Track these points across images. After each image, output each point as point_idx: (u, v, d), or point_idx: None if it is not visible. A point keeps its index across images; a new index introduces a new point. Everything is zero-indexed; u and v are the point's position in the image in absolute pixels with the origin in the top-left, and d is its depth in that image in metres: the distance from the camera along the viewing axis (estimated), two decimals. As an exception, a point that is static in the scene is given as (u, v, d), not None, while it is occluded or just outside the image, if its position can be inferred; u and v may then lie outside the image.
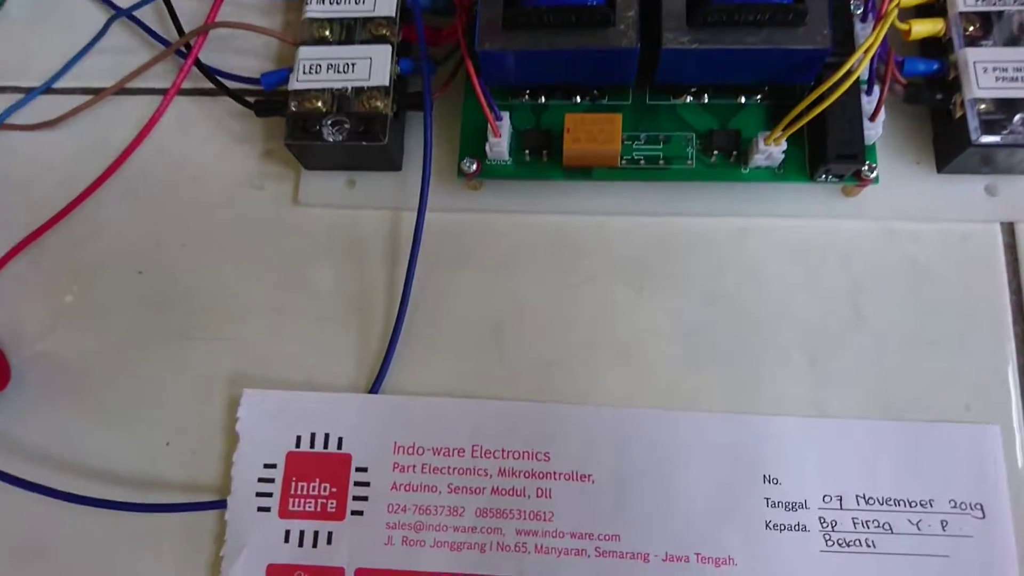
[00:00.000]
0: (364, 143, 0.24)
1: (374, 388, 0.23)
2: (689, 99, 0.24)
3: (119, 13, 0.29)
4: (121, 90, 0.29)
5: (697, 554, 0.21)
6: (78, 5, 0.30)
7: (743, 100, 0.23)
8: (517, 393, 0.23)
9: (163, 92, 0.28)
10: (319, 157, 0.25)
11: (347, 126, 0.24)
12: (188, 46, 0.28)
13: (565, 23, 0.21)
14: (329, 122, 0.24)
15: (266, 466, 0.23)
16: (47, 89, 0.29)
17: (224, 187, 0.27)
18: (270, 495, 0.23)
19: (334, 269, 0.25)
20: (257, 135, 0.27)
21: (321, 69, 0.25)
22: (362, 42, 0.25)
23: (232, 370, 0.24)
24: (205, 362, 0.25)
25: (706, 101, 0.24)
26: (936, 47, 0.24)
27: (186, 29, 0.29)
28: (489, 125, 0.23)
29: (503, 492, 0.22)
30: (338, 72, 0.25)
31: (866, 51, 0.21)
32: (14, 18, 0.30)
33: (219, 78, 0.28)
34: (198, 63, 0.28)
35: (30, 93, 0.29)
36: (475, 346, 0.24)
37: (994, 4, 0.23)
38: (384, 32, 0.25)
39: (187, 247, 0.26)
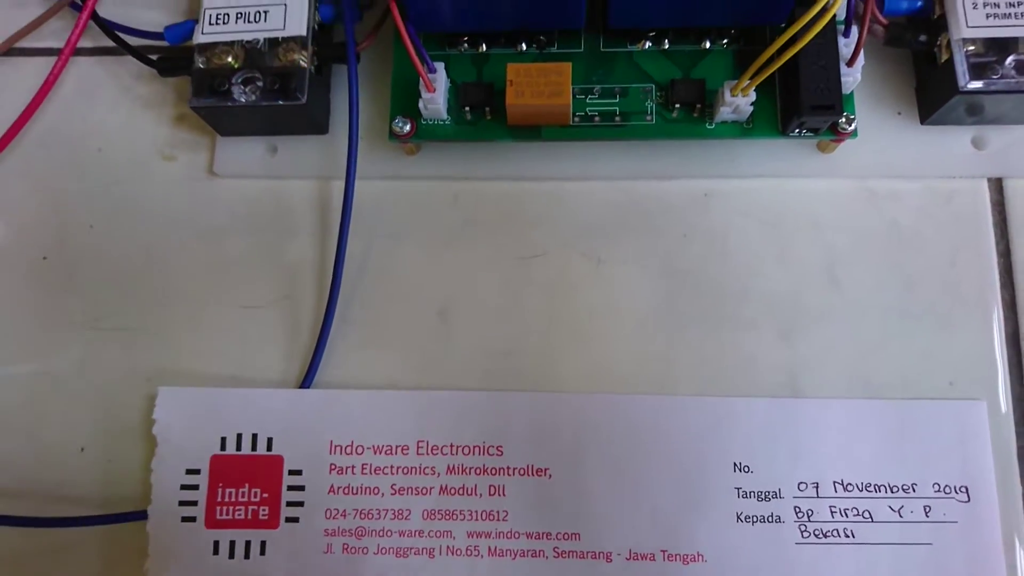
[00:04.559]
0: (281, 103, 0.21)
1: (306, 382, 0.21)
2: (648, 45, 0.21)
3: (0, -42, 0.26)
4: (11, 51, 0.26)
5: (663, 551, 0.20)
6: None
7: (707, 45, 0.21)
8: (466, 382, 0.21)
9: (58, 52, 0.25)
10: (234, 121, 0.23)
11: (260, 84, 0.21)
12: (82, -4, 0.25)
13: (503, -43, 0.18)
14: (240, 80, 0.21)
15: (189, 472, 0.21)
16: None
17: (132, 159, 0.24)
18: (195, 503, 0.21)
19: (257, 249, 0.23)
20: (168, 98, 0.25)
21: (229, 19, 0.22)
22: (276, -12, 0.22)
23: (149, 365, 0.22)
24: (120, 356, 0.23)
25: (667, 47, 0.21)
26: (921, -19, 0.21)
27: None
28: (421, 79, 0.20)
29: (452, 491, 0.20)
30: (249, 21, 0.22)
31: (843, -14, 0.18)
32: None
33: (120, 34, 0.24)
34: (95, 17, 0.25)
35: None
36: (418, 331, 0.22)
37: (985, -70, 0.21)
38: (300, -26, 0.22)
39: (95, 228, 0.24)
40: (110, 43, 0.24)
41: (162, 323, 0.23)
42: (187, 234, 0.23)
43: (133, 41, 0.24)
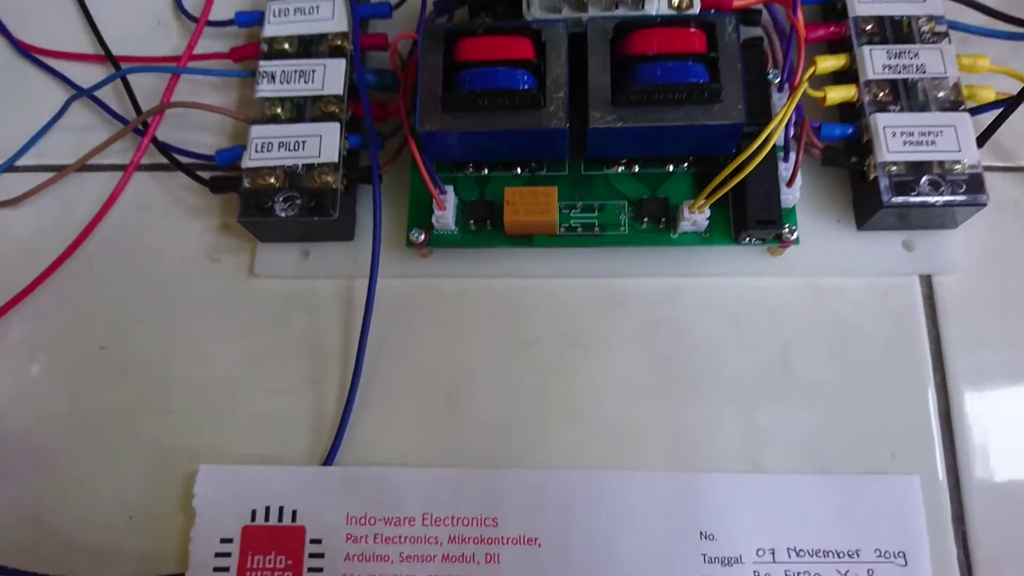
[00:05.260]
0: (316, 218, 0.25)
1: (328, 459, 0.24)
2: (621, 169, 0.25)
3: (80, 93, 0.30)
4: (81, 167, 0.29)
5: (640, 610, 0.21)
6: (37, 85, 0.31)
7: (671, 168, 0.25)
8: (469, 458, 0.24)
9: (122, 168, 0.29)
10: (274, 230, 0.26)
11: (299, 201, 0.25)
12: (145, 124, 0.29)
13: (499, 106, 0.22)
14: (281, 198, 0.25)
15: (223, 540, 0.23)
16: (9, 167, 0.30)
17: (182, 261, 0.27)
18: (227, 569, 0.23)
19: (290, 339, 0.26)
20: (214, 209, 0.28)
21: (273, 147, 0.26)
22: (312, 120, 0.26)
23: (192, 443, 0.25)
24: (166, 436, 0.25)
25: (636, 171, 0.25)
26: (852, 111, 0.25)
27: (143, 105, 0.30)
28: (434, 200, 0.24)
29: (453, 559, 0.22)
30: (289, 150, 0.26)
31: (780, 122, 0.22)
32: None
33: (175, 155, 0.28)
34: (155, 141, 0.29)
35: (-8, 172, 0.30)
36: (429, 413, 0.25)
37: (900, 72, 0.25)
38: (333, 109, 0.26)
39: (147, 322, 0.27)
40: (164, 160, 0.28)
41: (204, 406, 0.25)
42: (228, 326, 0.26)
43: (187, 161, 0.28)
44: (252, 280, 0.27)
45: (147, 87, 0.30)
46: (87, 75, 0.31)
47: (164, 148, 0.29)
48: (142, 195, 0.29)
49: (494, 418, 0.24)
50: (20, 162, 0.30)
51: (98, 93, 0.30)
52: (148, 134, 0.29)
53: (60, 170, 0.29)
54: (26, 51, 0.32)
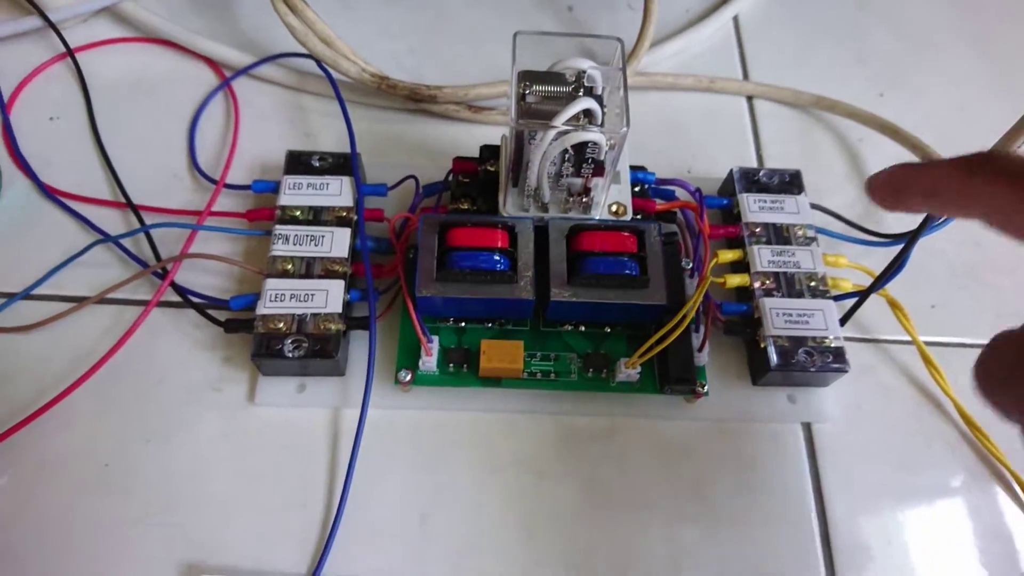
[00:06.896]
0: (319, 359, 0.29)
1: (315, 573, 0.27)
2: (571, 328, 0.31)
3: (106, 238, 0.35)
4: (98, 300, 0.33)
5: None
6: (57, 224, 0.35)
7: (608, 330, 0.31)
8: None
9: (134, 303, 0.33)
10: (277, 367, 0.31)
11: (305, 344, 0.30)
12: (165, 269, 0.33)
13: (481, 280, 0.28)
14: (289, 341, 0.30)
15: None
16: (26, 296, 0.33)
17: (187, 390, 0.30)
18: None
19: (282, 462, 0.29)
20: (219, 343, 0.32)
21: (285, 298, 0.31)
22: (319, 276, 0.31)
23: (187, 556, 0.27)
24: (162, 548, 0.27)
25: (583, 330, 0.31)
26: (746, 293, 0.33)
27: (160, 248, 0.34)
28: (422, 347, 0.29)
29: None
30: (299, 301, 0.31)
31: (693, 306, 0.29)
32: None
33: (189, 296, 0.33)
34: (173, 284, 0.33)
35: (9, 299, 0.33)
36: (403, 534, 0.28)
37: (781, 266, 0.33)
38: (338, 268, 0.32)
39: (151, 443, 0.30)
40: (177, 298, 0.32)
41: (201, 521, 0.28)
42: (226, 450, 0.29)
43: (197, 301, 0.32)
44: (251, 408, 0.31)
45: (163, 233, 0.35)
46: (105, 218, 0.35)
47: (181, 290, 0.33)
48: (153, 328, 0.32)
49: (460, 539, 0.28)
50: (37, 291, 0.33)
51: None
52: (168, 278, 0.33)
53: (76, 301, 0.33)
54: (50, 193, 0.36)
